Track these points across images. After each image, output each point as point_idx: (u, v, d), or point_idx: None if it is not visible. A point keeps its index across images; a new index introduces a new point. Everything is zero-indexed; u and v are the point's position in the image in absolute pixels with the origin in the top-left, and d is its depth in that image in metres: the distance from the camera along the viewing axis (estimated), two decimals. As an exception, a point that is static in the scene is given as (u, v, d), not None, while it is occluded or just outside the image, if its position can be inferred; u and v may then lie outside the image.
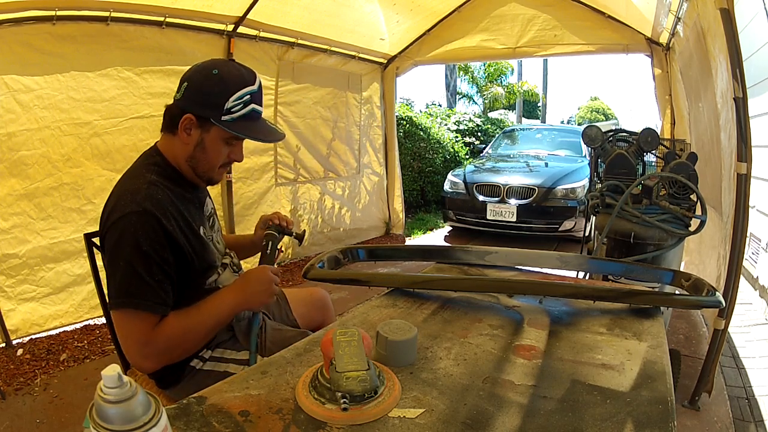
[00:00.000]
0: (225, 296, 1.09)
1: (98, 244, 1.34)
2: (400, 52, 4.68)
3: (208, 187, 1.23)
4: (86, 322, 2.70)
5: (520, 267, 1.52)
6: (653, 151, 2.47)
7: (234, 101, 1.03)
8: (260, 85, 1.09)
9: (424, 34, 4.50)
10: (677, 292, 1.34)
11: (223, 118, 1.03)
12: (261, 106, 1.09)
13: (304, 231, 1.42)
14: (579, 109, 26.07)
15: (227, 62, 1.09)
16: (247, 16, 3.12)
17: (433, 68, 23.10)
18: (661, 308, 1.19)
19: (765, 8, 3.60)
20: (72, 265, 2.60)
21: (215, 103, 1.03)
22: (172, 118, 1.08)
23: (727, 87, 1.93)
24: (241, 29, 3.21)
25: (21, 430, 1.90)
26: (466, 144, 8.50)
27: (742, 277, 2.36)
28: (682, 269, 2.21)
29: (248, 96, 1.05)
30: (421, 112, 8.90)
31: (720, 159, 2.31)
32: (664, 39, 3.63)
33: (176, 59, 2.93)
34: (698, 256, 2.93)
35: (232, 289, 1.12)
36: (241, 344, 1.18)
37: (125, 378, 0.50)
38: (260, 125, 1.10)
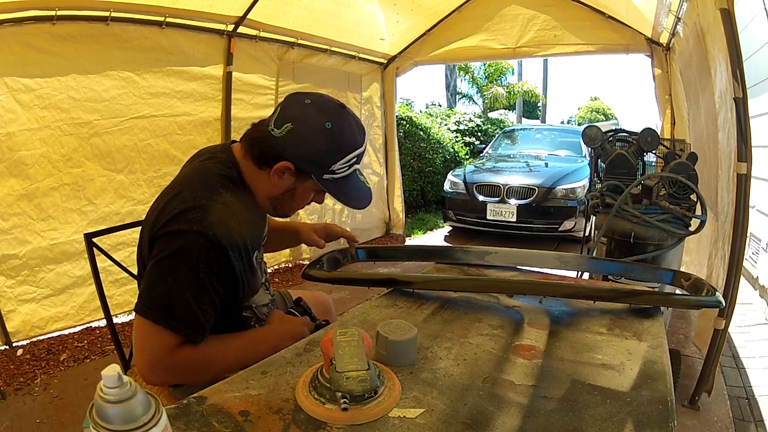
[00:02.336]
0: (258, 339, 1.02)
1: (98, 244, 1.34)
2: (400, 52, 4.69)
3: None
4: (87, 325, 2.70)
5: (520, 267, 1.52)
6: (653, 151, 2.47)
7: (341, 165, 0.98)
8: (366, 143, 1.04)
9: (424, 34, 4.50)
10: (677, 292, 1.34)
11: (325, 176, 0.98)
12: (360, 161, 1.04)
13: (327, 321, 1.24)
14: (579, 109, 26.09)
15: (340, 112, 0.98)
16: (247, 16, 3.12)
17: (433, 68, 23.12)
18: (661, 308, 1.19)
19: (765, 8, 3.60)
20: (72, 266, 2.60)
21: (321, 163, 0.97)
22: (262, 151, 0.98)
23: (726, 87, 1.93)
24: (241, 29, 3.21)
25: (21, 430, 1.90)
26: (466, 144, 8.50)
27: (742, 277, 2.36)
28: (682, 269, 2.22)
29: (355, 159, 1.00)
30: (421, 112, 8.91)
31: (717, 159, 2.32)
32: (664, 39, 3.63)
33: (176, 59, 2.93)
34: (697, 256, 2.93)
35: (266, 334, 1.05)
36: None
37: (125, 378, 0.50)
38: (352, 183, 1.04)
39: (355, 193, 1.05)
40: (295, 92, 1.04)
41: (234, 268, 0.96)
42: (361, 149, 1.01)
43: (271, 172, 0.98)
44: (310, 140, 0.95)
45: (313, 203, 1.12)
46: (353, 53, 4.30)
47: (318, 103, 0.99)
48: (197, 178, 1.00)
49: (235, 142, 1.11)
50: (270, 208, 1.07)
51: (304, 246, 3.88)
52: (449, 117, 8.92)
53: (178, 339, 0.90)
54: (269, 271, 1.29)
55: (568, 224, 4.80)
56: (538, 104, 19.51)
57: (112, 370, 0.49)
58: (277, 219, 1.25)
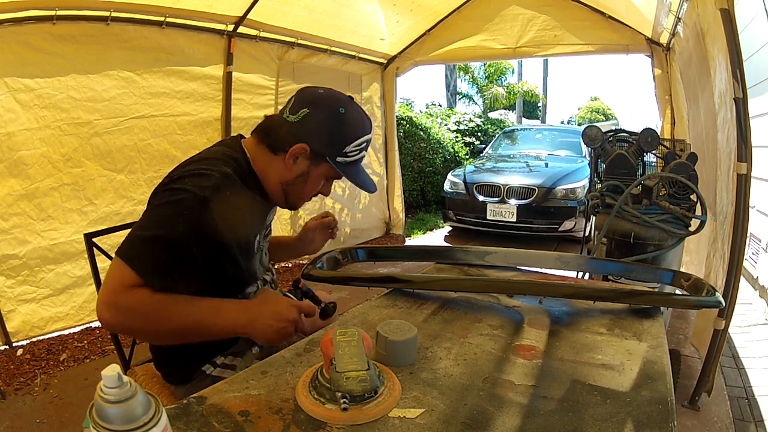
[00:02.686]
0: (228, 307, 0.96)
1: (98, 244, 1.34)
2: (400, 52, 4.69)
3: None
4: (87, 325, 2.70)
5: (520, 267, 1.52)
6: (653, 152, 2.47)
7: (354, 147, 1.04)
8: (373, 131, 1.11)
9: (424, 34, 4.50)
10: (677, 292, 1.34)
11: (338, 159, 1.03)
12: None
13: (334, 305, 1.16)
14: (579, 109, 26.07)
15: (351, 102, 1.06)
16: (248, 16, 3.13)
17: (433, 68, 23.11)
18: (661, 308, 1.19)
19: (765, 8, 3.60)
20: (72, 266, 2.60)
21: (336, 145, 1.02)
22: (278, 139, 1.03)
23: (725, 87, 1.93)
24: (241, 29, 3.21)
25: (21, 430, 1.90)
26: (466, 144, 8.50)
27: (742, 277, 2.36)
28: (682, 269, 2.22)
29: (366, 143, 1.06)
30: (421, 112, 8.91)
31: (715, 159, 2.32)
32: (664, 39, 3.63)
33: (176, 59, 2.93)
34: (697, 257, 2.93)
35: (241, 306, 0.98)
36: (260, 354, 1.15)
37: (125, 378, 0.50)
38: (361, 170, 1.11)
39: (365, 177, 1.11)
40: (306, 86, 1.09)
41: (221, 236, 0.95)
42: (370, 135, 1.08)
43: (286, 156, 1.02)
44: (325, 123, 1.01)
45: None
46: (353, 53, 4.30)
47: (330, 92, 1.07)
48: (203, 155, 1.05)
49: (243, 137, 1.13)
50: (281, 194, 1.09)
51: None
52: (449, 117, 8.92)
53: (137, 279, 0.87)
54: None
55: (568, 224, 4.80)
56: (538, 104, 19.50)
57: (112, 370, 0.49)
58: (274, 237, 1.28)
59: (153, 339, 1.00)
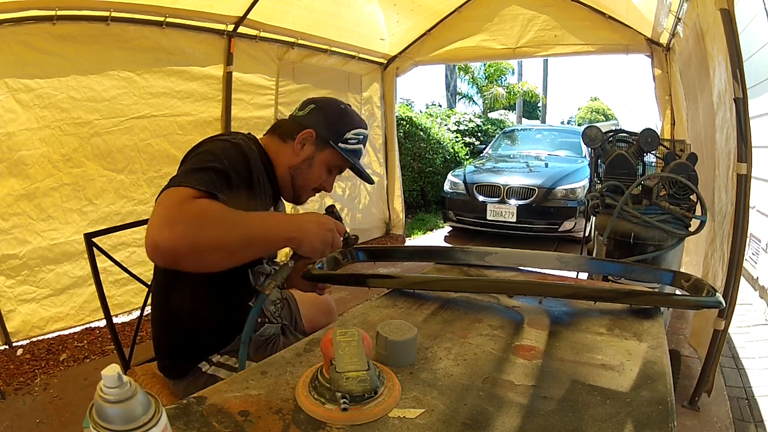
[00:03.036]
0: (280, 217, 1.02)
1: (98, 244, 1.35)
2: (400, 53, 4.69)
3: None
4: (87, 325, 2.70)
5: (520, 267, 1.52)
6: (653, 152, 2.47)
7: (353, 134, 1.19)
8: (368, 133, 1.28)
9: (424, 34, 4.50)
10: (677, 292, 1.33)
11: (340, 144, 1.17)
12: (363, 152, 1.26)
13: (356, 236, 1.16)
14: (579, 109, 26.10)
15: (349, 105, 1.26)
16: (248, 16, 3.13)
17: (433, 68, 23.10)
18: (661, 309, 1.19)
19: (765, 8, 3.60)
20: (73, 266, 2.60)
21: (338, 130, 1.17)
22: (288, 128, 1.18)
23: (725, 87, 1.93)
24: (241, 29, 3.21)
25: (21, 430, 1.90)
26: (466, 144, 8.50)
27: (742, 277, 2.36)
28: (682, 270, 2.22)
29: (363, 136, 1.21)
30: (421, 112, 8.91)
31: (714, 159, 2.32)
32: (664, 39, 3.63)
33: (176, 59, 2.93)
34: (696, 257, 2.93)
35: (286, 217, 1.01)
36: (251, 356, 1.16)
37: (125, 378, 0.50)
38: (359, 163, 1.24)
39: (363, 169, 1.25)
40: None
41: (251, 178, 1.03)
42: (367, 132, 1.23)
43: (295, 142, 1.16)
44: (328, 114, 1.19)
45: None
46: (353, 53, 4.30)
47: (334, 98, 1.27)
48: (221, 134, 1.14)
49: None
50: (288, 180, 1.19)
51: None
52: (449, 117, 8.92)
53: (197, 192, 0.87)
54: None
55: (568, 225, 4.80)
56: (538, 104, 19.51)
57: (112, 370, 0.49)
58: None
59: (217, 253, 0.87)
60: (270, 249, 1.00)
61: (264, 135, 1.22)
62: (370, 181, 1.30)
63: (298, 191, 1.21)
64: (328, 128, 1.16)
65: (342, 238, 1.05)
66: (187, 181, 0.87)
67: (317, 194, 1.29)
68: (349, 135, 1.18)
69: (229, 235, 0.85)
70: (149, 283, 1.48)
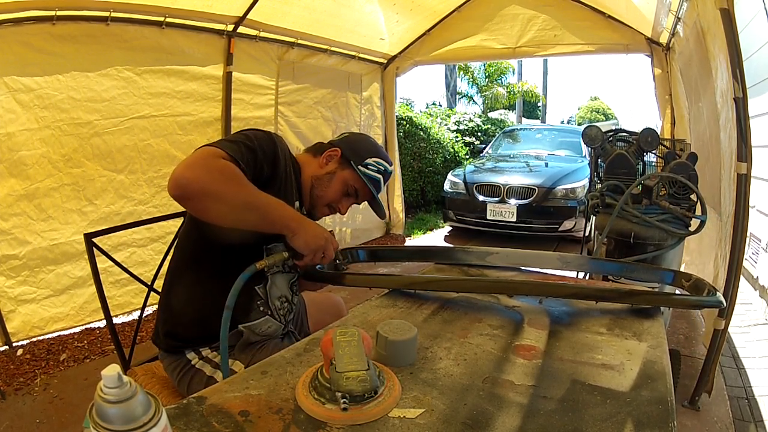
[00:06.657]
0: (287, 206, 1.07)
1: (98, 245, 1.34)
2: (400, 52, 4.68)
3: None
4: (87, 326, 2.70)
5: (520, 267, 1.52)
6: (653, 151, 2.46)
7: (373, 161, 1.28)
8: (392, 173, 1.40)
9: (424, 34, 4.50)
10: (678, 292, 1.33)
11: (360, 167, 1.26)
12: (382, 188, 1.34)
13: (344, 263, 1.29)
14: (579, 109, 26.06)
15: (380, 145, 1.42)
16: (247, 16, 3.12)
17: (433, 68, 23.07)
18: (661, 308, 1.19)
19: (765, 8, 3.60)
20: (73, 267, 2.60)
21: (361, 155, 1.28)
22: (320, 147, 1.32)
23: (727, 87, 1.93)
24: (241, 29, 3.21)
25: (21, 430, 1.90)
26: (466, 144, 8.49)
27: (742, 277, 2.35)
28: (682, 269, 2.21)
29: (384, 168, 1.30)
30: (421, 112, 8.90)
31: (719, 159, 2.31)
32: (664, 39, 3.63)
33: (176, 59, 2.93)
34: (698, 256, 2.92)
35: (293, 210, 1.10)
36: (236, 355, 1.17)
37: (125, 378, 0.50)
38: (379, 195, 1.34)
39: (379, 198, 1.34)
40: None
41: (275, 167, 1.11)
42: (391, 168, 1.33)
43: (322, 156, 1.28)
44: (357, 139, 1.35)
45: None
46: (353, 53, 4.30)
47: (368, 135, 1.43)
48: None
49: None
50: (308, 188, 1.27)
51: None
52: (449, 117, 8.91)
53: (224, 154, 1.00)
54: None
55: (568, 224, 4.80)
56: (538, 104, 19.49)
57: (112, 370, 0.49)
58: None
59: (221, 205, 0.99)
60: (267, 225, 1.05)
61: (299, 152, 1.33)
62: (382, 216, 1.36)
63: (314, 200, 1.28)
64: (352, 150, 1.28)
65: (333, 255, 1.16)
66: (220, 145, 1.01)
67: (329, 217, 1.38)
68: (369, 161, 1.27)
69: (236, 193, 0.98)
70: (149, 284, 1.48)
